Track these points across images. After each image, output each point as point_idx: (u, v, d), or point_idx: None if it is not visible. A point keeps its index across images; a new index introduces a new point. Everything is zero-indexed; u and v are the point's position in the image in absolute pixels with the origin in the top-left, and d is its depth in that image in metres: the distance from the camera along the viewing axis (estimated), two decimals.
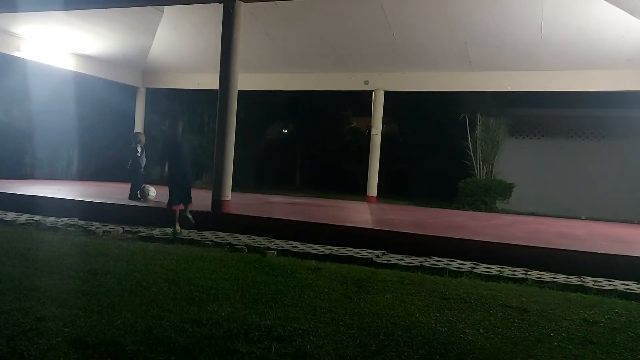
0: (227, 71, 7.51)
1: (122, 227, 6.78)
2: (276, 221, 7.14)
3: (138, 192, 8.72)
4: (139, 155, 8.92)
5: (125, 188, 9.00)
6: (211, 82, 10.31)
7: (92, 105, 14.61)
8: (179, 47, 13.01)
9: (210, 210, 7.49)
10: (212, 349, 2.66)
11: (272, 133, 20.43)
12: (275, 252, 5.69)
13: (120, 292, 3.61)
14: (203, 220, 7.18)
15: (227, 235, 6.60)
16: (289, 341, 2.84)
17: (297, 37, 11.75)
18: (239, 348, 2.69)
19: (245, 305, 3.50)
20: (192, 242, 6.11)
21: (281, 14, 10.84)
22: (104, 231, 6.47)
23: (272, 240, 6.40)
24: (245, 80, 10.03)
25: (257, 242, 6.19)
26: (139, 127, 14.89)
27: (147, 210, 7.73)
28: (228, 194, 7.56)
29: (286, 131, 20.82)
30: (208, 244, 6.01)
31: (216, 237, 6.35)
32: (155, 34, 12.41)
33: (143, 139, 9.28)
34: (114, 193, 8.90)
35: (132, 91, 15.00)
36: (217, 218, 7.29)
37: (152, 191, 8.75)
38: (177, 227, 6.46)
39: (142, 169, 9.04)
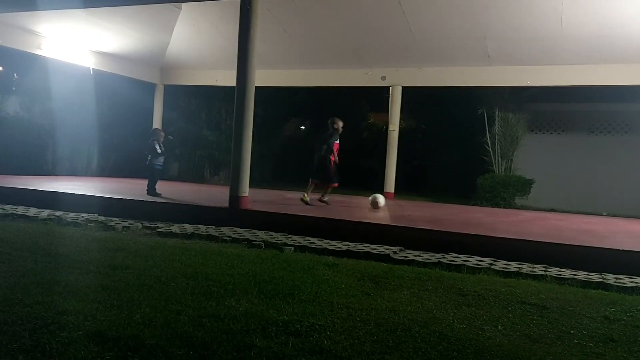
0: (244, 68, 7.53)
1: (141, 223, 6.87)
2: (293, 217, 7.15)
3: (156, 187, 8.82)
4: (158, 152, 8.97)
5: (144, 184, 9.10)
6: (229, 78, 10.37)
7: (111, 102, 14.81)
8: (197, 44, 13.10)
9: (227, 206, 7.54)
10: (230, 344, 2.68)
11: (289, 129, 20.45)
12: (293, 248, 5.71)
13: (139, 287, 3.66)
14: (221, 217, 7.24)
15: (245, 231, 6.64)
16: (305, 336, 2.85)
17: (314, 33, 11.74)
18: (256, 343, 2.71)
19: (262, 300, 3.52)
20: (210, 238, 6.16)
21: (298, 10, 10.85)
22: (124, 227, 6.56)
23: (290, 236, 6.42)
24: (263, 76, 10.06)
25: (274, 238, 6.21)
26: (157, 123, 15.04)
27: (166, 207, 7.81)
28: (245, 190, 7.60)
29: (304, 127, 20.82)
30: (226, 239, 6.05)
31: (234, 233, 6.39)
32: (173, 31, 12.53)
33: (162, 135, 9.37)
34: (133, 189, 9.00)
35: (150, 88, 15.15)
36: (235, 214, 7.34)
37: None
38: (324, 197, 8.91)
39: (161, 165, 9.11)
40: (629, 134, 13.06)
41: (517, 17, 9.83)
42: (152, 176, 8.92)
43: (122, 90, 14.59)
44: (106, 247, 5.13)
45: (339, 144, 8.89)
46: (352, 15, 10.84)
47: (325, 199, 9.05)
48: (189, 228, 6.62)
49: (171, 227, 6.64)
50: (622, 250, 5.53)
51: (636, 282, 4.75)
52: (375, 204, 8.78)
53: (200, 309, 3.22)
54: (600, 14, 9.24)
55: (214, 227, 6.81)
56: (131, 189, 8.86)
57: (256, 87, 7.77)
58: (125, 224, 6.74)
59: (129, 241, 5.58)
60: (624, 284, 4.68)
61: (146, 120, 15.09)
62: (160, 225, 6.83)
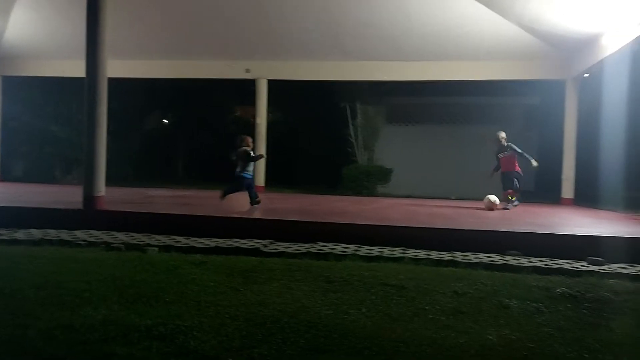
0: (94, 57, 6.96)
1: None
2: (157, 216, 6.83)
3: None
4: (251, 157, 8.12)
5: None
6: (78, 69, 9.55)
7: None
8: (40, 31, 11.89)
9: (81, 207, 6.95)
10: (87, 355, 2.50)
11: (151, 123, 19.47)
12: (157, 249, 5.43)
13: None
14: (74, 219, 6.66)
15: (102, 233, 6.17)
16: (170, 339, 2.74)
17: (174, 23, 11.30)
18: (116, 351, 2.54)
19: (123, 306, 3.31)
20: (61, 242, 5.61)
21: None
22: None
23: (153, 236, 6.10)
24: (119, 67, 9.42)
25: (136, 239, 5.86)
26: None
27: (8, 211, 6.97)
28: (101, 189, 7.06)
29: (167, 121, 19.95)
30: (80, 244, 5.56)
31: (89, 237, 5.91)
32: (9, 16, 11.20)
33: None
34: None
35: None
36: (90, 216, 6.78)
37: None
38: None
39: (250, 175, 8.22)
40: (470, 124, 14.53)
41: (368, 14, 10.39)
42: (240, 186, 8.09)
43: None
44: None
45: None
46: (212, 6, 10.60)
47: (509, 206, 9.65)
48: (36, 233, 5.99)
49: (15, 234, 5.95)
50: (467, 229, 6.15)
51: (479, 258, 5.30)
52: (491, 205, 9.30)
53: (51, 321, 2.95)
54: (442, 14, 10.12)
55: (66, 231, 6.24)
56: None
57: (112, 79, 7.26)
58: None
59: None
60: (470, 260, 5.19)
61: None
62: (1, 232, 6.08)
